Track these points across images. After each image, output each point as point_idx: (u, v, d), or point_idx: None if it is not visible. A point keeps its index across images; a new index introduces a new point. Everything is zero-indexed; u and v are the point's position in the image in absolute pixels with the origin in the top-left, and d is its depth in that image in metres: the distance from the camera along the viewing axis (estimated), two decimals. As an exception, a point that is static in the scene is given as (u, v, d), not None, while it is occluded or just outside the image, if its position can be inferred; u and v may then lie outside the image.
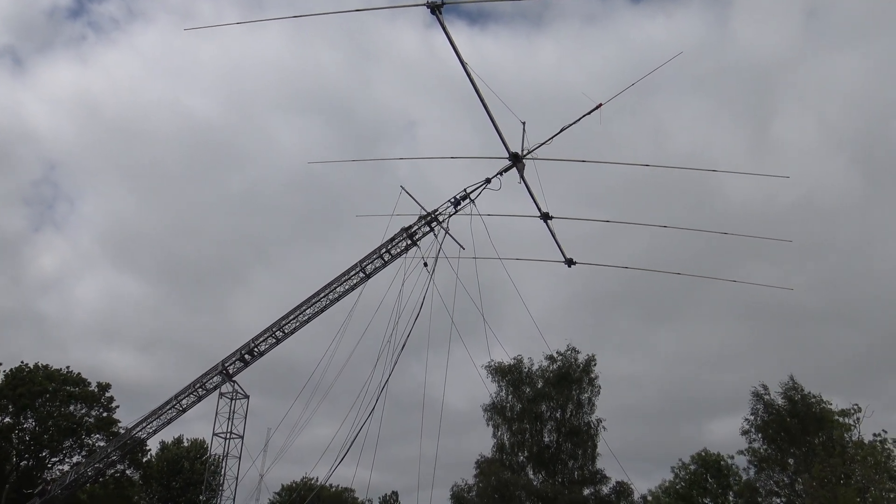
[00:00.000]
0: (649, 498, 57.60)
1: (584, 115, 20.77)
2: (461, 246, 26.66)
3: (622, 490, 51.02)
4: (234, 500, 42.97)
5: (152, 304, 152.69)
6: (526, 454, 53.00)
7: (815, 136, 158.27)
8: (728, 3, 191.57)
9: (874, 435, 43.30)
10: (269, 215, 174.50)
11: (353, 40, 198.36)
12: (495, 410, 53.44)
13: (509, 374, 54.21)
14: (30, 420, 51.01)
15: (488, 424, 53.52)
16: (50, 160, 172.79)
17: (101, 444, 53.62)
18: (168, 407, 35.21)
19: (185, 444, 79.12)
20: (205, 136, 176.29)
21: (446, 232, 26.92)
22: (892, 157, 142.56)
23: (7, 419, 50.36)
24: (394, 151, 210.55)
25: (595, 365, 53.98)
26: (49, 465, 53.29)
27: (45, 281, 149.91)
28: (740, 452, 51.26)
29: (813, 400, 47.27)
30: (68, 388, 53.08)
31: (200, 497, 59.32)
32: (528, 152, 22.36)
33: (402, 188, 26.82)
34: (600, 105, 20.31)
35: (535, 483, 51.37)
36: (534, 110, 21.80)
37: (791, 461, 47.09)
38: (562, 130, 21.43)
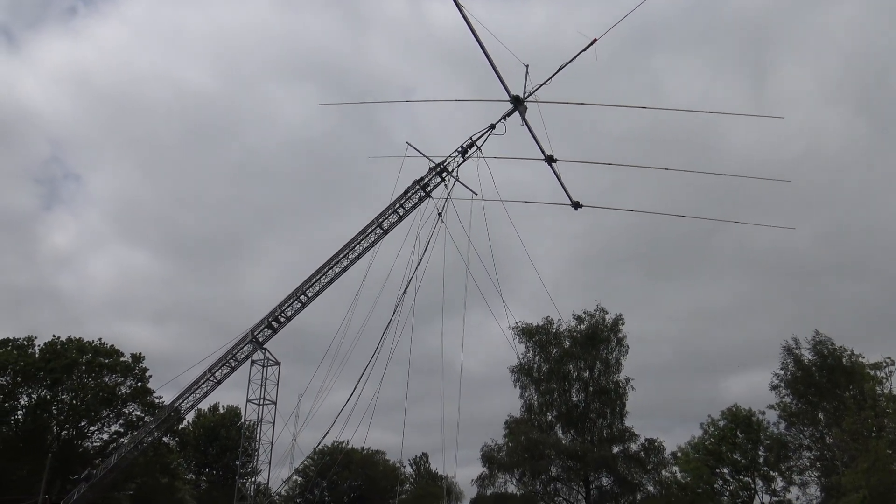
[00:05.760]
0: (679, 455, 57.84)
1: (580, 52, 21.01)
2: (473, 192, 26.96)
3: (651, 447, 51.30)
4: (269, 463, 43.92)
5: (162, 276, 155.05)
6: (555, 414, 53.39)
7: (815, 86, 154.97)
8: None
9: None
10: (271, 183, 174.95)
11: (341, 4, 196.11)
12: (523, 371, 53.73)
13: (537, 335, 54.33)
14: (68, 392, 52.14)
15: (515, 385, 53.95)
16: (54, 137, 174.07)
17: (137, 413, 54.82)
18: (203, 380, 35.99)
19: (221, 410, 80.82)
20: (198, 104, 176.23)
21: (456, 180, 27.21)
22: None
23: (44, 392, 51.53)
24: (392, 117, 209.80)
25: (623, 325, 53.98)
26: (89, 434, 54.65)
27: (59, 258, 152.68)
28: (770, 407, 51.18)
29: (845, 354, 46.89)
30: (101, 359, 54.06)
31: (236, 461, 60.62)
32: (530, 94, 22.55)
33: (409, 144, 27.20)
34: (595, 40, 20.55)
35: (564, 441, 51.83)
36: (529, 64, 22.01)
37: (821, 415, 46.94)
38: (560, 69, 21.79)
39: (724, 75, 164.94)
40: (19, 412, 51.48)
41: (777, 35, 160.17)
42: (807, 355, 48.19)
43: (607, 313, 54.46)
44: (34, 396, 51.58)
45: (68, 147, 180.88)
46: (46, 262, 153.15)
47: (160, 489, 55.63)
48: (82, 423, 53.53)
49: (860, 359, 47.16)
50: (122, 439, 52.82)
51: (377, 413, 25.28)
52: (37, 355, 52.00)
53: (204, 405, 75.00)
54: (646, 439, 52.01)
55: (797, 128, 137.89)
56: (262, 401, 41.96)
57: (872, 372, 46.22)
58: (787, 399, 49.02)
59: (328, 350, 30.11)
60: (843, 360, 46.90)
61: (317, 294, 34.36)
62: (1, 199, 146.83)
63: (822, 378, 46.48)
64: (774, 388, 49.19)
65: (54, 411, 52.14)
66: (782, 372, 48.83)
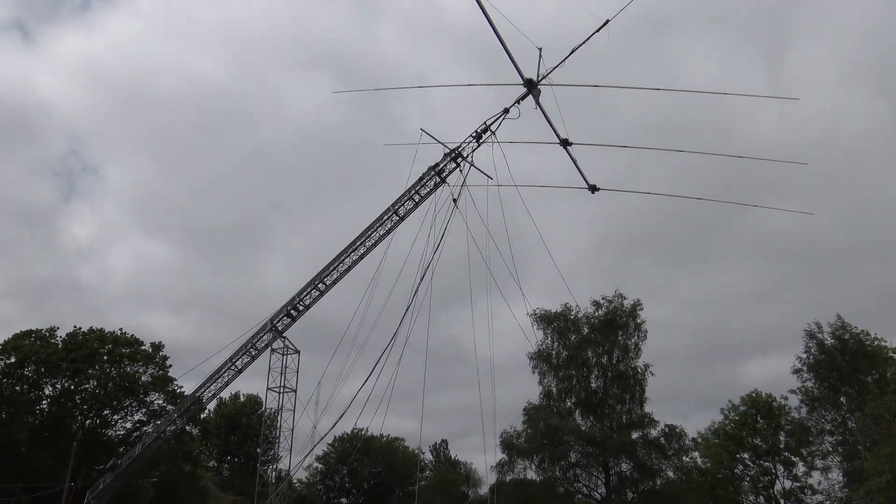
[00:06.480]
0: (699, 440, 57.63)
1: (593, 33, 20.76)
2: (488, 176, 26.91)
3: (671, 433, 51.09)
4: (290, 450, 44.31)
5: (180, 266, 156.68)
6: (574, 400, 53.31)
7: (833, 67, 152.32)
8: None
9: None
10: (285, 172, 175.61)
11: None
12: (541, 358, 53.64)
13: (555, 322, 54.22)
14: (91, 381, 52.80)
15: (534, 372, 53.82)
16: (71, 131, 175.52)
17: (160, 401, 55.46)
18: (224, 370, 36.34)
19: (242, 399, 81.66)
20: (212, 95, 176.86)
21: (472, 165, 27.17)
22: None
23: (67, 382, 52.21)
24: (405, 105, 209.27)
25: (641, 310, 53.70)
26: (112, 423, 55.39)
27: (79, 250, 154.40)
28: (792, 392, 50.82)
29: (867, 338, 46.43)
30: (122, 349, 54.64)
31: (258, 449, 61.24)
32: (543, 77, 22.34)
33: (423, 130, 27.14)
34: (608, 21, 20.29)
35: (583, 428, 51.76)
36: (542, 47, 21.82)
37: (843, 400, 46.54)
38: (573, 51, 21.44)
39: (740, 58, 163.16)
40: (44, 402, 52.29)
41: (793, 15, 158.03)
42: (829, 339, 47.75)
43: (625, 299, 54.28)
44: (58, 386, 52.34)
45: (85, 140, 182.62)
46: (67, 254, 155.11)
47: (183, 477, 56.34)
48: (105, 412, 54.26)
49: (883, 343, 46.76)
50: (144, 428, 53.47)
51: (396, 401, 25.36)
52: (59, 346, 52.68)
53: (225, 394, 75.89)
54: (666, 425, 51.86)
55: (815, 110, 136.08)
56: (282, 389, 42.28)
57: (895, 356, 45.80)
58: (810, 383, 48.62)
59: (343, 337, 30.23)
60: (867, 344, 46.45)
61: (335, 282, 34.54)
62: (21, 192, 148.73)
63: (844, 362, 46.04)
64: (796, 371, 48.75)
65: (78, 401, 52.86)
66: (805, 356, 48.40)
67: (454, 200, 26.95)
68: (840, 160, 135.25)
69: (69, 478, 45.12)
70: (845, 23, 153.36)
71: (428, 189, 29.84)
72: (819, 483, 51.38)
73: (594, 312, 54.28)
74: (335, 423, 27.37)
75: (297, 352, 42.34)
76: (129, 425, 55.72)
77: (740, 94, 24.71)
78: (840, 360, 46.31)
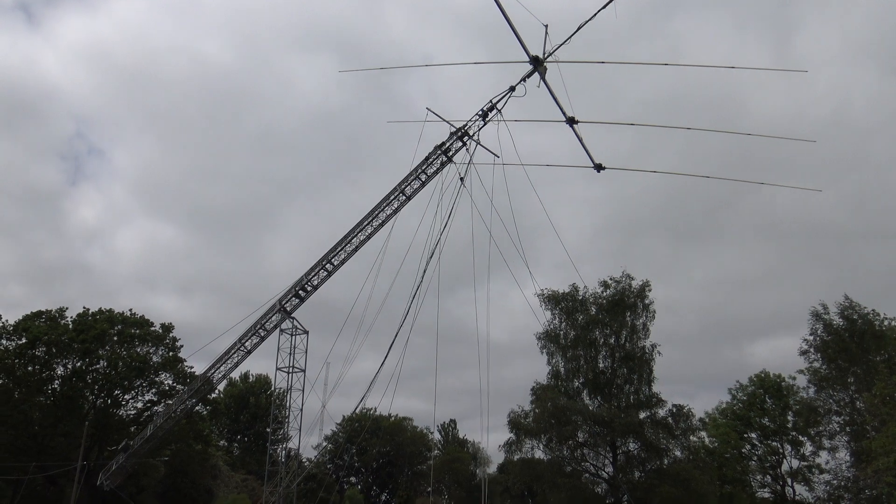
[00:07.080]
0: (707, 420, 57.76)
1: (600, 9, 20.55)
2: (495, 154, 26.88)
3: (679, 413, 51.16)
4: (299, 430, 44.61)
5: (187, 249, 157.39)
6: (581, 380, 53.41)
7: (842, 46, 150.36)
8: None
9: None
10: (291, 154, 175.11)
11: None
12: (549, 338, 53.70)
13: (563, 302, 54.20)
14: (101, 362, 53.18)
15: (542, 352, 53.92)
16: (77, 113, 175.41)
17: (170, 382, 55.88)
18: (234, 350, 36.56)
19: (251, 379, 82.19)
20: (217, 77, 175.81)
21: (478, 143, 27.14)
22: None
23: (78, 363, 52.61)
24: (411, 85, 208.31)
25: (650, 290, 53.56)
26: (124, 403, 55.88)
27: (87, 233, 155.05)
28: (800, 372, 50.81)
29: (876, 319, 46.29)
30: (132, 330, 54.97)
31: (267, 429, 61.71)
32: (549, 54, 22.19)
33: (429, 109, 27.02)
34: None
35: (591, 407, 51.92)
36: (549, 24, 21.65)
37: (851, 380, 46.48)
38: (580, 28, 21.33)
39: (748, 37, 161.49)
40: (55, 382, 52.75)
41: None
42: (836, 320, 47.64)
43: (633, 279, 54.16)
44: (69, 367, 52.77)
45: (91, 122, 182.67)
46: (75, 237, 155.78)
47: (194, 456, 56.86)
48: (116, 392, 54.70)
49: (893, 323, 46.60)
50: (155, 408, 53.92)
51: (403, 381, 25.55)
52: (69, 327, 53.03)
53: (234, 374, 76.40)
54: (673, 405, 51.92)
55: (823, 89, 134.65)
56: (290, 369, 42.45)
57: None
58: (817, 364, 48.57)
59: (348, 317, 30.39)
60: (876, 324, 46.32)
61: (342, 262, 34.64)
62: (28, 175, 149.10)
63: (853, 343, 45.93)
64: (804, 353, 48.74)
65: (89, 381, 53.30)
66: (812, 337, 48.33)
67: (461, 179, 27.00)
68: (849, 139, 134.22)
69: (81, 457, 45.62)
70: (853, 1, 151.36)
71: (434, 168, 29.81)
72: (826, 463, 51.60)
73: (602, 293, 54.24)
74: (356, 407, 27.68)
75: (306, 332, 42.44)
76: (139, 405, 56.27)
77: (747, 68, 24.56)
78: (848, 341, 46.21)
